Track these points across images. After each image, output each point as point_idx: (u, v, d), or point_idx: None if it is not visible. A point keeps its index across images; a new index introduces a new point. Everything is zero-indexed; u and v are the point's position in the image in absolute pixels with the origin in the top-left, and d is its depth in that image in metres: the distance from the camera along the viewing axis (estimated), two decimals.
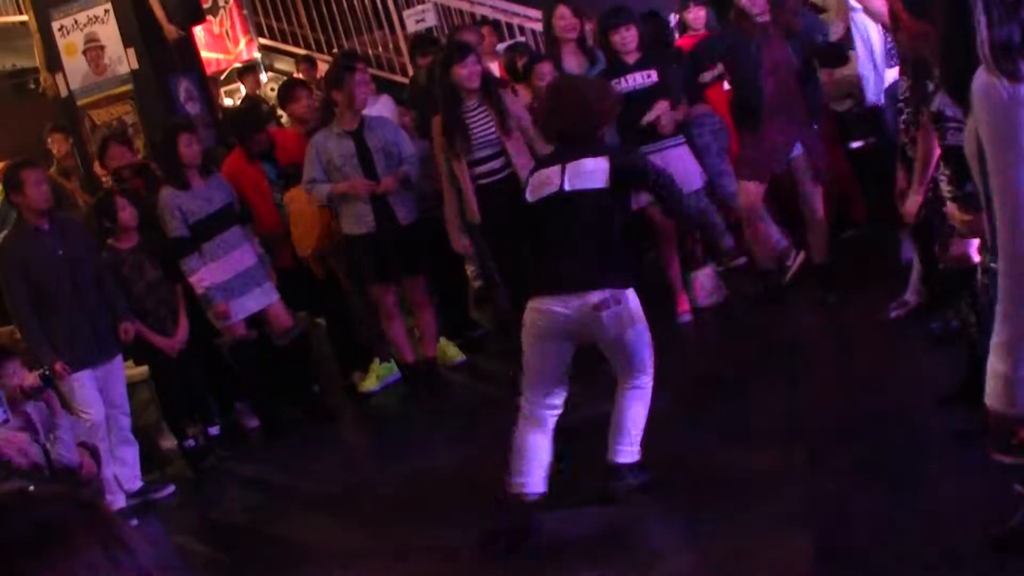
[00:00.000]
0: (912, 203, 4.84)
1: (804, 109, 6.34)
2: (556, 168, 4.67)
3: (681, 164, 6.62)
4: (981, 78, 2.23)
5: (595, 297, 4.46)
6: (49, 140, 9.55)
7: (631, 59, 6.74)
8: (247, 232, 6.92)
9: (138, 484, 6.45)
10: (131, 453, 6.47)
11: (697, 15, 7.86)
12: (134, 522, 5.99)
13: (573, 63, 7.01)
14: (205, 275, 6.70)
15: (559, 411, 4.66)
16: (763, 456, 4.75)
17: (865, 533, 3.88)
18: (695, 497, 4.53)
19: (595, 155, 4.64)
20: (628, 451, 4.61)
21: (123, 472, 6.35)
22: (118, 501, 6.13)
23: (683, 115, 6.78)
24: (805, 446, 4.76)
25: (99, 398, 6.16)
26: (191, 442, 6.82)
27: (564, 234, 4.61)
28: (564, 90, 5.00)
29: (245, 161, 7.23)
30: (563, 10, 7.17)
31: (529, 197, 4.73)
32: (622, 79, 6.65)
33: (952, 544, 3.65)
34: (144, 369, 7.05)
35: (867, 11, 6.03)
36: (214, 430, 6.99)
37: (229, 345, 6.86)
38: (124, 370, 6.53)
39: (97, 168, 8.17)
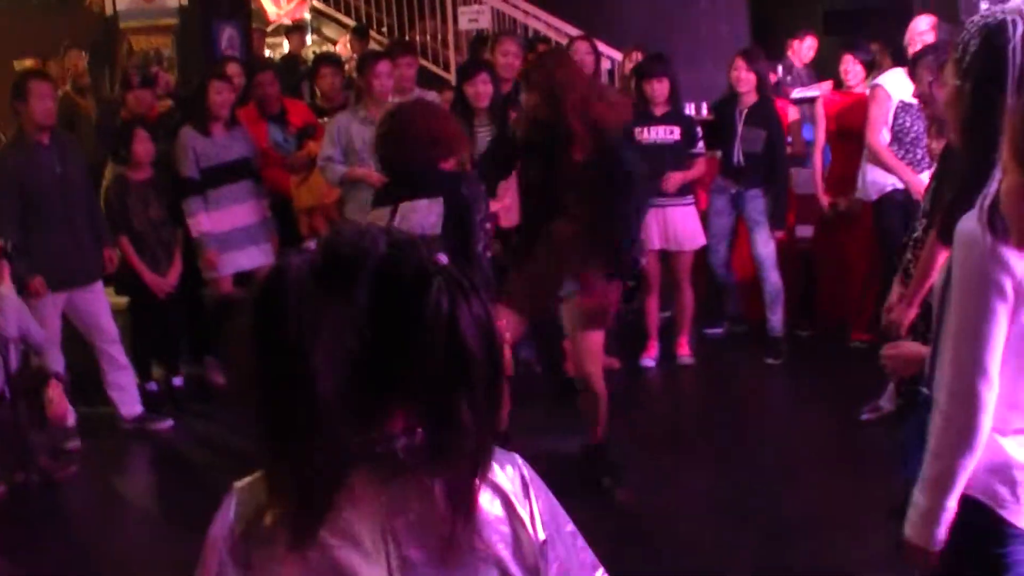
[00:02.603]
0: (901, 313, 4.73)
1: None
2: (386, 211, 4.12)
3: (682, 223, 6.84)
4: (969, 223, 2.28)
5: None
6: (66, 57, 9.53)
7: (659, 111, 6.86)
8: (258, 190, 6.92)
9: (138, 409, 6.46)
10: (127, 378, 6.47)
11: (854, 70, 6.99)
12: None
13: None
14: (203, 221, 6.69)
15: None
16: (684, 538, 4.76)
17: None
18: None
19: (430, 194, 4.11)
20: None
21: (121, 398, 6.39)
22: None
23: (691, 178, 6.90)
24: (727, 538, 4.72)
25: (58, 324, 6.13)
26: (153, 386, 6.84)
27: None
28: (401, 117, 4.38)
29: (256, 117, 7.25)
30: (582, 45, 7.28)
31: None
32: (646, 128, 6.81)
33: None
34: (124, 300, 7.06)
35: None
36: (178, 381, 7.00)
37: (213, 300, 6.87)
38: (107, 298, 6.49)
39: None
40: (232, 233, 6.76)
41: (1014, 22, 2.46)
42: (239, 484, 1.54)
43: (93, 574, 4.78)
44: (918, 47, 5.98)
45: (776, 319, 7.07)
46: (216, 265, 6.73)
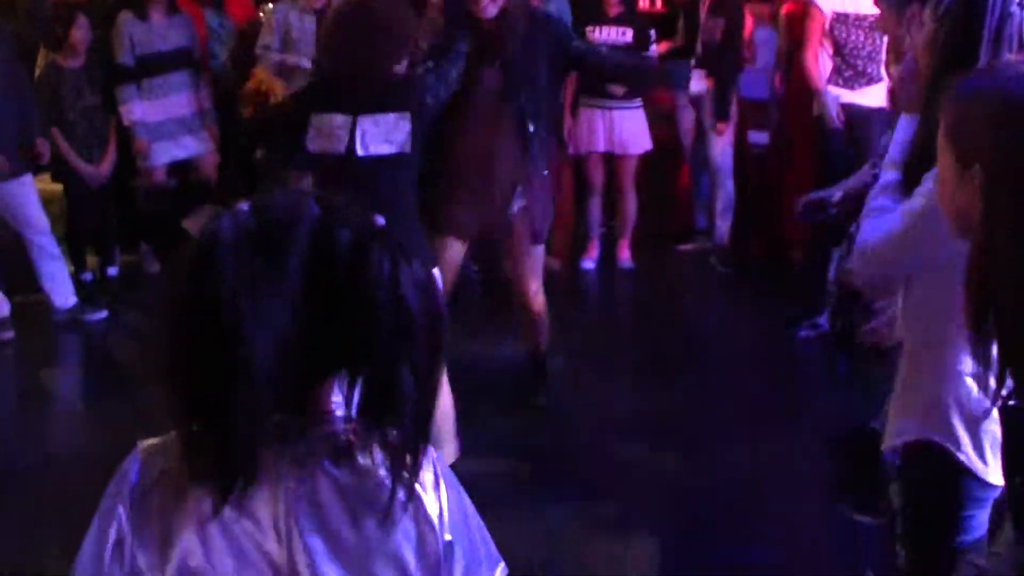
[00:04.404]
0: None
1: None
2: (341, 119, 3.66)
3: (628, 127, 6.74)
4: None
5: None
6: None
7: (612, 11, 6.70)
8: (197, 80, 6.74)
9: (72, 301, 6.30)
10: (58, 269, 6.30)
11: None
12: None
13: None
14: (136, 109, 6.53)
15: None
16: (606, 455, 4.73)
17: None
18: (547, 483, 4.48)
19: (397, 108, 3.67)
20: None
21: (54, 289, 6.25)
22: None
23: None
24: (649, 455, 4.73)
25: None
26: (88, 275, 6.73)
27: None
28: (351, 12, 3.78)
29: (192, 3, 7.01)
30: None
31: (310, 145, 3.71)
32: (598, 28, 6.66)
33: None
34: (59, 188, 6.92)
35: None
36: (113, 271, 6.89)
37: (145, 189, 6.74)
38: (35, 189, 6.28)
39: None
40: (166, 123, 6.61)
41: None
42: (144, 445, 1.49)
43: (5, 471, 4.71)
44: None
45: (724, 227, 7.03)
46: (147, 154, 6.59)
